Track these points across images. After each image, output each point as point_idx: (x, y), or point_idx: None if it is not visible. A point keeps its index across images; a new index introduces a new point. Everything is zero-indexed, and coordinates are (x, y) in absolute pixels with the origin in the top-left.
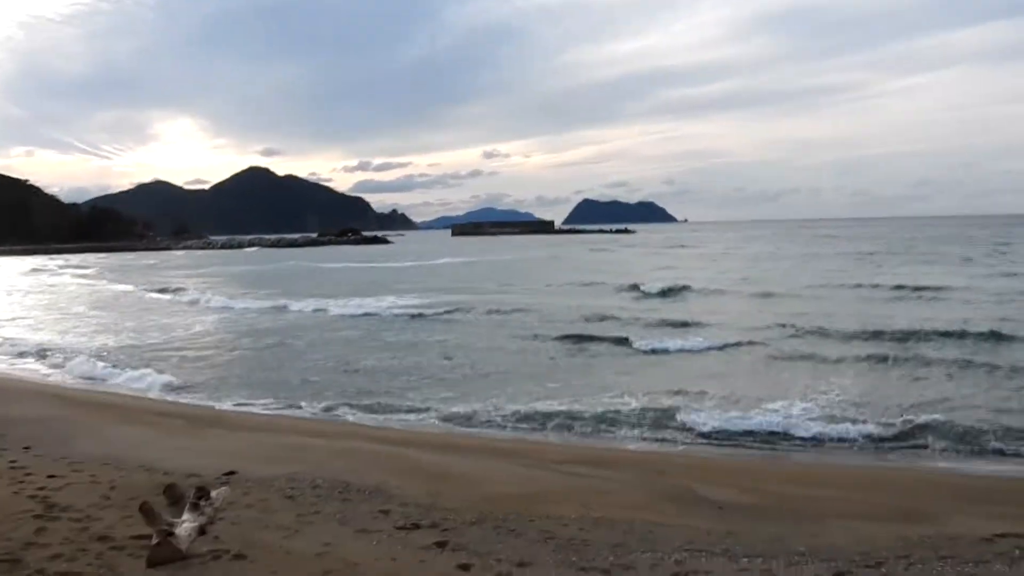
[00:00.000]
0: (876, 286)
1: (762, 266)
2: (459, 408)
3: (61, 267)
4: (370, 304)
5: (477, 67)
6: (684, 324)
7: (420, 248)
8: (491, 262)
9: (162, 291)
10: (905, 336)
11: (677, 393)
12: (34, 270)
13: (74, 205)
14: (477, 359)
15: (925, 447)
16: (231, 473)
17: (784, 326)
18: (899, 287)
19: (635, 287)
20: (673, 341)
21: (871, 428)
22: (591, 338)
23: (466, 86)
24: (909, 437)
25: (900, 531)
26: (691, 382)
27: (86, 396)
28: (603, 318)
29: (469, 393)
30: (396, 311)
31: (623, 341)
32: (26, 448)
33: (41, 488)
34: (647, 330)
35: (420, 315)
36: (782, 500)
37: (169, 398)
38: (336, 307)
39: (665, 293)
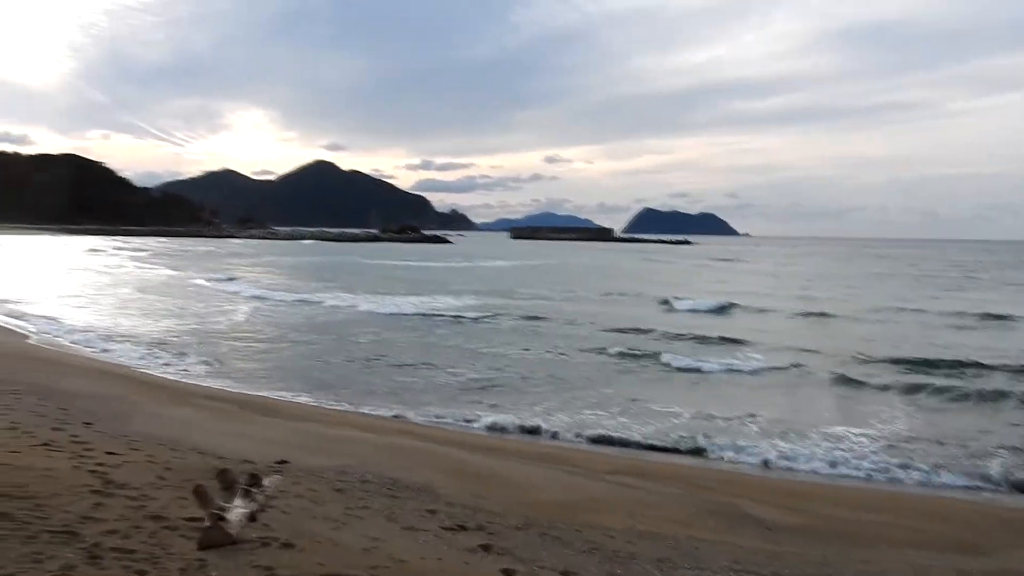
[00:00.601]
0: (938, 312)
1: (819, 284)
2: (502, 416)
3: (118, 248)
4: (420, 303)
5: (543, 71)
6: (728, 341)
7: (478, 249)
8: (546, 267)
9: (214, 280)
10: (964, 366)
11: (717, 417)
12: (92, 250)
13: (145, 189)
14: (520, 367)
15: (984, 479)
16: (283, 462)
17: (836, 350)
18: (961, 314)
19: (681, 300)
20: (713, 360)
21: (924, 463)
22: (633, 354)
23: (531, 89)
24: (966, 469)
25: (957, 563)
26: (730, 404)
27: (139, 376)
28: (644, 331)
29: (511, 400)
30: (444, 311)
31: (657, 356)
32: (87, 424)
33: (100, 464)
34: (690, 347)
35: (464, 318)
36: (831, 523)
37: (216, 384)
38: (386, 305)
39: (714, 310)
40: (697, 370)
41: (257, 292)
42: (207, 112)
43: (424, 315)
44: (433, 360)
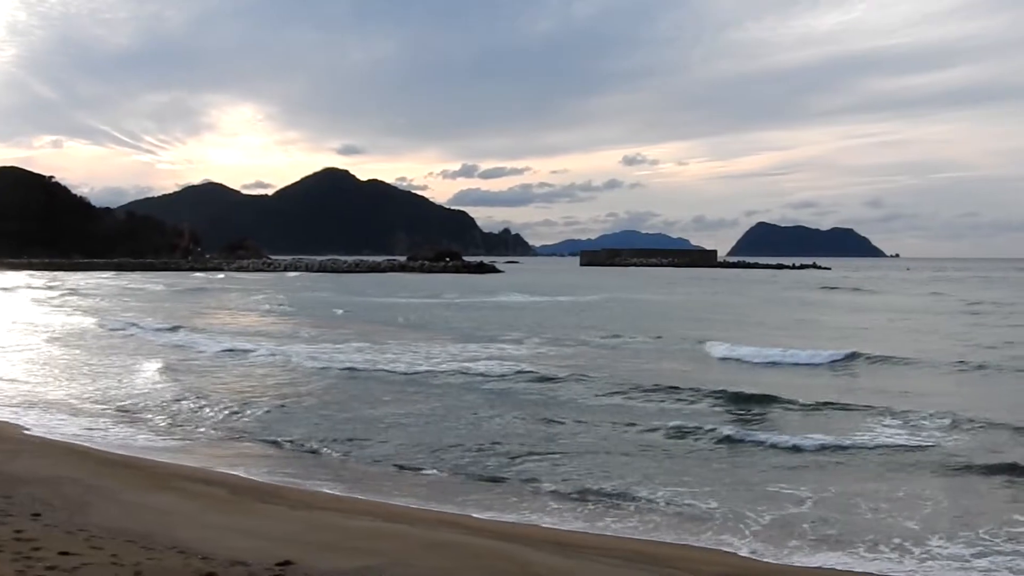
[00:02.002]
0: None
1: (989, 325)
2: (580, 505)
3: (45, 286)
4: (449, 356)
5: (621, 46)
6: (842, 408)
7: (537, 280)
8: (626, 303)
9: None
10: None
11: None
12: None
13: (107, 210)
14: (564, 441)
15: None
16: (286, 563)
17: (1002, 420)
18: None
19: (790, 352)
20: (824, 435)
21: None
22: (729, 434)
23: (606, 70)
24: None
25: None
26: (858, 495)
27: (106, 454)
28: (754, 400)
29: (586, 480)
30: (479, 369)
31: (758, 423)
32: (35, 515)
33: (52, 568)
34: (804, 417)
35: (507, 378)
36: None
37: (199, 461)
38: (401, 360)
39: (833, 362)
40: (796, 448)
41: (227, 345)
42: (185, 109)
43: (451, 373)
44: (469, 436)
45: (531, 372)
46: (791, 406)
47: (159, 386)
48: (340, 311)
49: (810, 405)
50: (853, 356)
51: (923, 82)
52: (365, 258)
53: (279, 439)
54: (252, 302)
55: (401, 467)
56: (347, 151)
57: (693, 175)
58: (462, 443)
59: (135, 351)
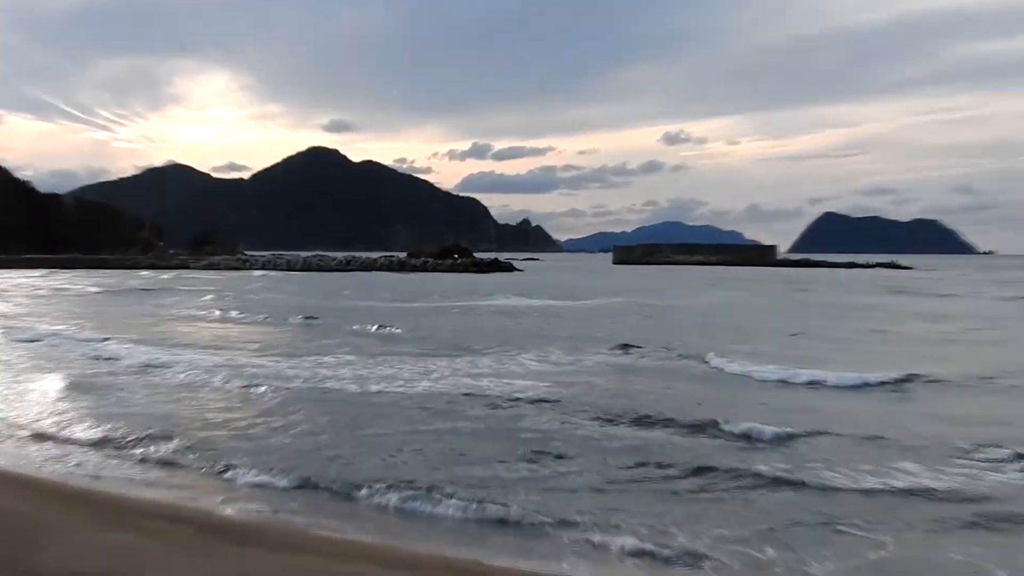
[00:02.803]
0: None
1: None
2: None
3: None
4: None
5: (660, 3)
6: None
7: (558, 280)
8: (650, 309)
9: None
10: None
11: None
12: None
13: (54, 196)
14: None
15: None
16: None
17: None
18: None
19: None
20: (873, 475)
21: None
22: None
23: (643, 34)
24: None
25: None
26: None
27: (47, 483)
28: (791, 432)
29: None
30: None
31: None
32: None
33: None
34: (850, 452)
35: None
36: None
37: (166, 493)
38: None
39: (883, 384)
40: (839, 489)
41: (146, 358)
42: (146, 78)
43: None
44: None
45: (517, 395)
46: (834, 438)
47: (81, 405)
48: (299, 318)
49: (857, 437)
50: (909, 378)
51: (1019, 46)
52: (357, 254)
53: (238, 470)
54: (197, 305)
55: (398, 509)
56: (336, 127)
57: (747, 156)
58: (444, 476)
59: (44, 364)
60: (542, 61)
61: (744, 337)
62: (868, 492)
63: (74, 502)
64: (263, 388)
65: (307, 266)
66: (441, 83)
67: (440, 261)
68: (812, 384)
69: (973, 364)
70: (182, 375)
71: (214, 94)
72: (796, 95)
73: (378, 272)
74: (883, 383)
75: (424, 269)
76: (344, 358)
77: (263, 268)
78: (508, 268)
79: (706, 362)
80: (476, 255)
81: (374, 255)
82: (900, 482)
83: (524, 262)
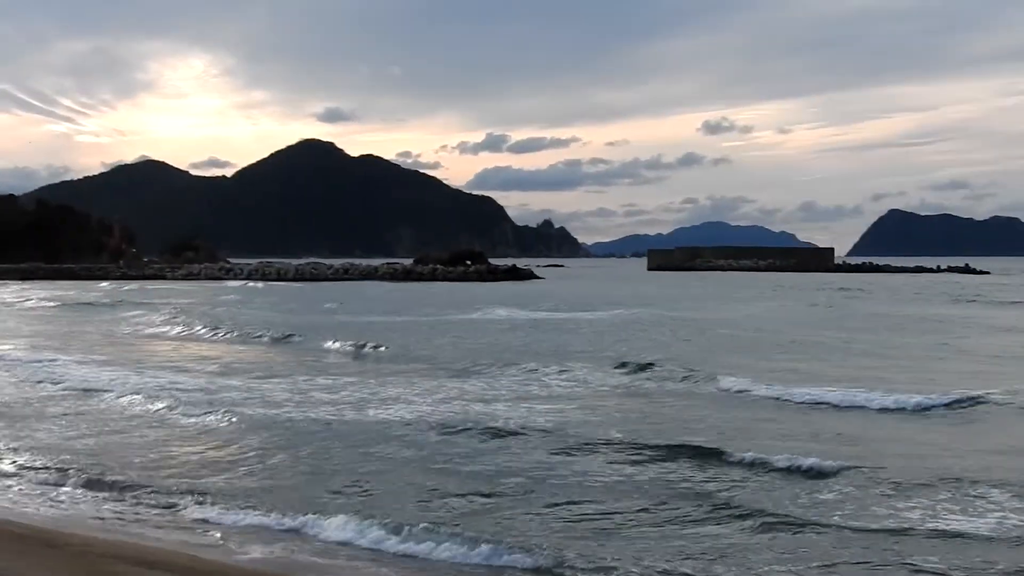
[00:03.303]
0: None
1: None
2: None
3: None
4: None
5: None
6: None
7: (582, 289)
8: (705, 324)
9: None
10: None
11: None
12: None
13: (10, 197)
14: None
15: None
16: None
17: None
18: None
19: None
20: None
21: None
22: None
23: (678, 6)
24: None
25: None
26: None
27: (17, 527)
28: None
29: None
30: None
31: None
32: None
33: None
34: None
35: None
36: None
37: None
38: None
39: (944, 405)
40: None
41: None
42: (113, 61)
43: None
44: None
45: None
46: (878, 474)
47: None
48: (270, 335)
49: (910, 475)
50: (973, 401)
51: None
52: (356, 261)
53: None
54: (160, 321)
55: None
56: (331, 117)
57: (799, 146)
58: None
59: None
60: (566, 37)
61: (777, 353)
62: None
63: (43, 545)
64: (205, 415)
65: (300, 275)
66: (450, 64)
67: (451, 269)
68: (850, 407)
69: None
70: (124, 400)
71: (192, 80)
72: (859, 75)
73: (379, 282)
74: (941, 405)
75: (432, 278)
76: (318, 381)
77: (249, 278)
78: (528, 276)
79: (717, 383)
80: (492, 261)
81: (375, 262)
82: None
83: (546, 268)
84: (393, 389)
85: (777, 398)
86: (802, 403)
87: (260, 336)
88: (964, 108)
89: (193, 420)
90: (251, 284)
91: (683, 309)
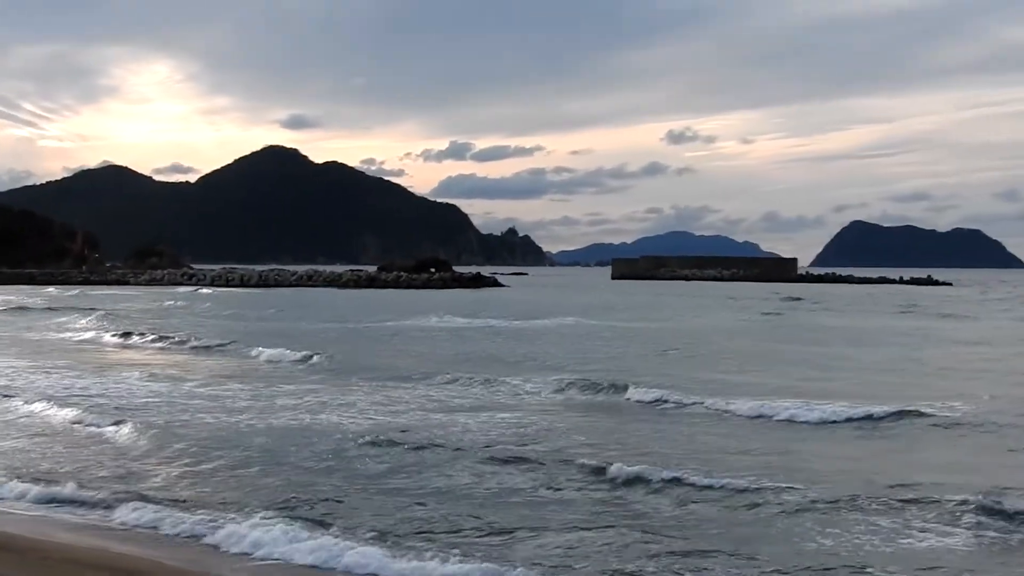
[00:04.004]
0: None
1: None
2: None
3: None
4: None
5: None
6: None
7: (545, 298)
8: (666, 333)
9: None
10: None
11: None
12: None
13: None
14: None
15: None
16: None
17: None
18: None
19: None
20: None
21: None
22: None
23: (643, 13)
24: None
25: None
26: None
27: (33, 540)
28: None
29: None
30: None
31: None
32: None
33: None
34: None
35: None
36: None
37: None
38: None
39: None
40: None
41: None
42: (75, 66)
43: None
44: None
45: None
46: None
47: None
48: (201, 341)
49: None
50: (900, 414)
51: None
52: (321, 268)
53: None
54: (94, 326)
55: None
56: (295, 124)
57: (762, 157)
58: None
59: None
60: (530, 45)
61: (712, 365)
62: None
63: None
64: (104, 425)
65: (263, 281)
66: (414, 72)
67: (415, 276)
68: (758, 417)
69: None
70: (22, 405)
71: (155, 85)
72: (824, 85)
73: (342, 289)
74: (869, 417)
75: (397, 285)
76: (240, 386)
77: (213, 283)
78: (492, 283)
79: (625, 393)
80: (457, 269)
81: (339, 269)
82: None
83: (510, 277)
84: (315, 397)
85: (683, 406)
86: (710, 412)
87: (190, 342)
88: (926, 120)
89: (74, 425)
90: (203, 290)
91: (633, 320)
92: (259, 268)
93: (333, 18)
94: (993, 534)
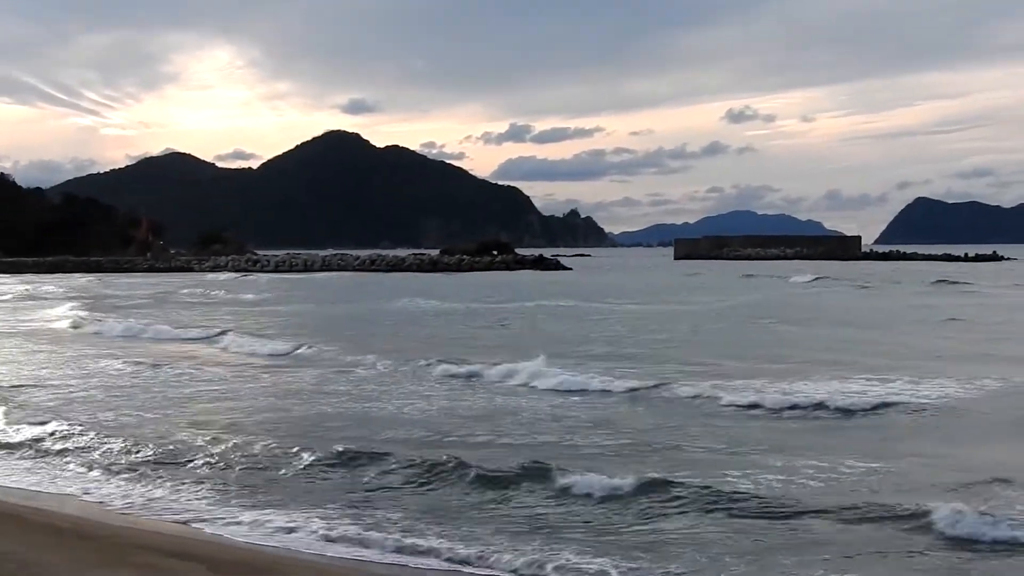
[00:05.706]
0: None
1: None
2: None
3: None
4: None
5: None
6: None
7: (608, 280)
8: (732, 312)
9: None
10: None
11: None
12: None
13: (37, 191)
14: None
15: None
16: None
17: None
18: None
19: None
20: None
21: None
22: None
23: None
24: None
25: None
26: None
27: (35, 514)
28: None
29: None
30: None
31: None
32: None
33: None
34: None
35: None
36: None
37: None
38: None
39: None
40: None
41: None
42: (137, 54)
43: None
44: None
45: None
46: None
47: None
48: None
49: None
50: (883, 405)
51: None
52: (384, 252)
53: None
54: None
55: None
56: (356, 108)
57: (824, 135)
58: None
59: None
60: (590, 27)
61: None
62: None
63: (73, 536)
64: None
65: (326, 266)
66: (475, 55)
67: (478, 259)
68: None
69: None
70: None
71: (217, 72)
72: (887, 62)
73: (403, 273)
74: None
75: (459, 268)
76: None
77: (276, 270)
78: (555, 266)
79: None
80: (519, 251)
81: (402, 253)
82: None
83: (573, 259)
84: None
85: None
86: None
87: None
88: (990, 96)
89: None
90: (249, 277)
91: (751, 294)
92: (322, 253)
93: (393, 2)
94: None
